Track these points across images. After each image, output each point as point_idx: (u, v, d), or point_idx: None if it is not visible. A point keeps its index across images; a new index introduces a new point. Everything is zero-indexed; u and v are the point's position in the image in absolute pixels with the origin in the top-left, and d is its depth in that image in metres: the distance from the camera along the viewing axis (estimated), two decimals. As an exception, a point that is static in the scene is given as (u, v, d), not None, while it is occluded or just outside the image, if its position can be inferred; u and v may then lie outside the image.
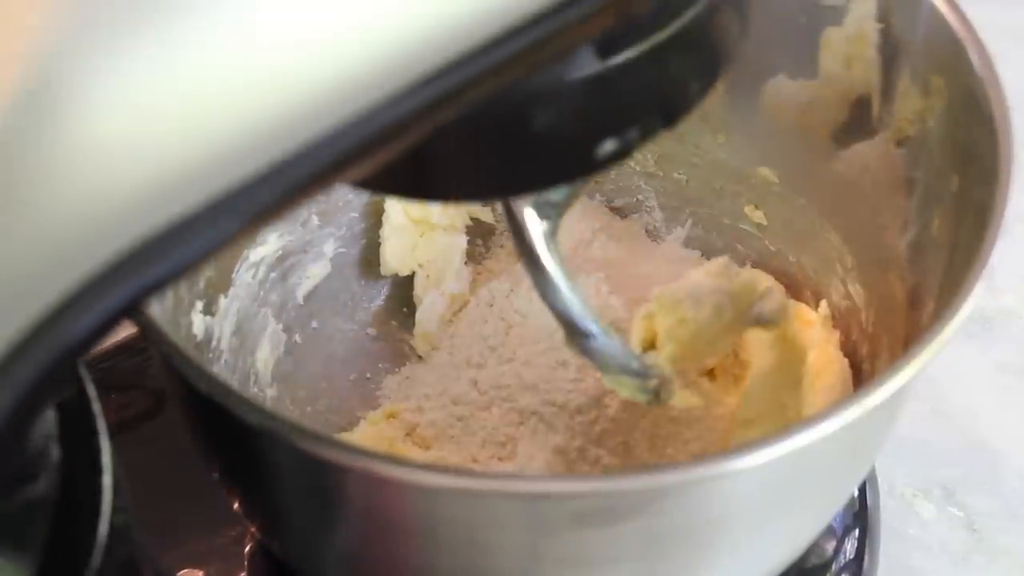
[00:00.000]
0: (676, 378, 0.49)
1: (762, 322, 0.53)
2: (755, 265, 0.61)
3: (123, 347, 0.59)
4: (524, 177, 0.33)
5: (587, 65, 0.31)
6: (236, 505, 0.47)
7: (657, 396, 0.47)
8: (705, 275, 0.54)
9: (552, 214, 0.39)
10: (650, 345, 0.53)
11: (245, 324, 0.55)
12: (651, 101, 0.33)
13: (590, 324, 0.43)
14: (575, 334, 0.43)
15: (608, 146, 0.32)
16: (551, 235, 0.39)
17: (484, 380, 0.58)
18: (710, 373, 0.58)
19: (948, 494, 0.60)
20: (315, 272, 0.60)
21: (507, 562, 0.40)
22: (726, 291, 0.53)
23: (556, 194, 0.39)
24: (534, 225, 0.39)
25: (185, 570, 0.53)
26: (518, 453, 0.56)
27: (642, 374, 0.46)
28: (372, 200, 0.61)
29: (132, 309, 0.27)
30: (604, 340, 0.44)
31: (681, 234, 0.63)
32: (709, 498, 0.39)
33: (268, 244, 0.57)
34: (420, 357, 0.61)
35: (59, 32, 0.24)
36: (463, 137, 0.30)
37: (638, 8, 0.30)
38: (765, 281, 0.55)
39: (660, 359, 0.52)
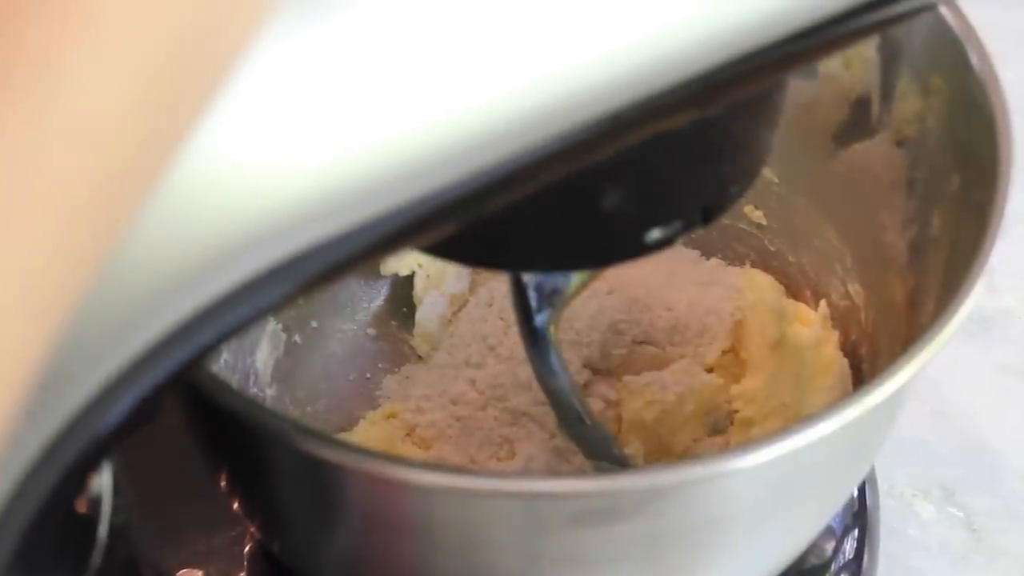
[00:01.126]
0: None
1: (718, 429, 0.57)
2: (754, 265, 0.61)
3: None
4: (580, 252, 0.36)
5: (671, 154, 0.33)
6: (236, 505, 0.47)
7: None
8: (669, 374, 0.56)
9: (557, 303, 0.41)
10: (615, 431, 0.56)
11: (244, 324, 0.55)
12: (699, 199, 0.36)
13: (582, 410, 0.45)
14: (569, 419, 0.45)
15: (655, 234, 0.35)
16: (554, 322, 0.41)
17: (482, 380, 0.58)
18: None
19: (948, 494, 0.60)
20: (315, 272, 0.60)
21: (506, 562, 0.40)
22: (689, 384, 0.56)
23: (566, 283, 0.41)
24: (540, 312, 0.41)
25: (185, 570, 0.53)
26: (517, 453, 0.56)
27: (623, 462, 0.49)
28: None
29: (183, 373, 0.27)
30: (594, 426, 0.46)
31: (681, 234, 0.63)
32: (708, 498, 0.39)
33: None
34: (420, 357, 0.61)
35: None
36: (528, 210, 0.31)
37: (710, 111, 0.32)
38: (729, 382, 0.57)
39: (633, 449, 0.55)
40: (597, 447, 0.48)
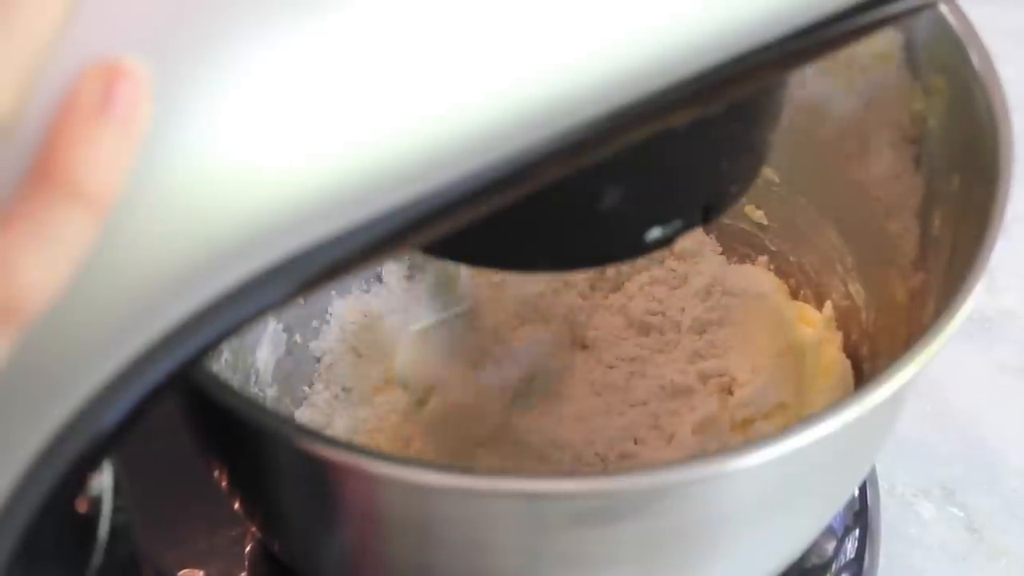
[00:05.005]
0: None
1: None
2: (755, 265, 0.61)
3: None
4: (580, 252, 0.36)
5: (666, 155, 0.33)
6: (236, 505, 0.47)
7: None
8: None
9: None
10: None
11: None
12: (699, 196, 0.36)
13: None
14: None
15: (655, 232, 0.35)
16: None
17: None
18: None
19: (948, 494, 0.60)
20: (315, 272, 0.60)
21: (506, 562, 0.40)
22: None
23: None
24: None
25: (185, 570, 0.53)
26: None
27: None
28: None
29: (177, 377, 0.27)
30: None
31: (681, 233, 0.63)
32: (708, 498, 0.39)
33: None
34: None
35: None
36: (528, 210, 0.31)
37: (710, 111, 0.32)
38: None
39: None
40: None
